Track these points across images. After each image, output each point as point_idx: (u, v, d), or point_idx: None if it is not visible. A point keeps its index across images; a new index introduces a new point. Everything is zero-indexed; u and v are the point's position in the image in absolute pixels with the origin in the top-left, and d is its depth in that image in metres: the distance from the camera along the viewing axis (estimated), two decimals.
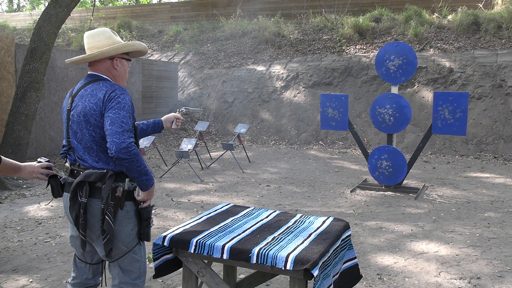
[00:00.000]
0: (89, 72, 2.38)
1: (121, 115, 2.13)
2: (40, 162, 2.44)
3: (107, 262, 2.44)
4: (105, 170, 2.22)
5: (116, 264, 2.33)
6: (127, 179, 2.26)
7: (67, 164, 2.32)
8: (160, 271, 2.60)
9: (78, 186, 2.20)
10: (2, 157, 2.35)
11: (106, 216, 2.16)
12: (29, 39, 13.04)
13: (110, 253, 2.23)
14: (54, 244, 4.39)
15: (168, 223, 5.05)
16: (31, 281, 3.56)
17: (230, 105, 12.67)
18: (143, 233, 2.35)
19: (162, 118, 2.78)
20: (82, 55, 2.35)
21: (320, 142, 10.99)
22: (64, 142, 2.40)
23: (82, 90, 2.30)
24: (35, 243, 4.41)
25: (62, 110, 2.44)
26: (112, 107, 2.15)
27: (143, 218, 2.33)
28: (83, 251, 2.33)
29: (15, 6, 29.71)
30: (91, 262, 2.43)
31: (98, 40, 2.33)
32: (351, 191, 6.60)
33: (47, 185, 2.38)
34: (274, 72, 12.94)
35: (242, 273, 3.64)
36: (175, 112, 2.97)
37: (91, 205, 2.22)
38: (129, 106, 2.21)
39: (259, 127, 11.91)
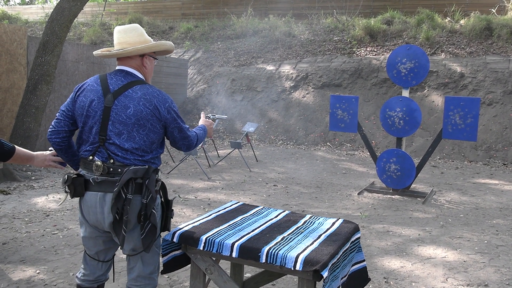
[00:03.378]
0: (121, 67, 2.34)
1: (181, 122, 2.38)
2: (51, 150, 2.48)
3: (114, 257, 2.44)
4: (147, 166, 2.22)
5: (138, 257, 2.32)
6: (159, 172, 2.34)
7: (99, 163, 2.20)
8: (168, 267, 2.60)
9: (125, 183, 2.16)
10: (16, 146, 2.39)
11: (153, 210, 2.18)
12: (41, 32, 13.01)
13: (150, 246, 2.23)
14: (61, 237, 4.41)
15: (175, 219, 5.06)
16: (38, 272, 3.57)
17: (239, 103, 12.67)
18: (167, 223, 2.39)
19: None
20: (115, 51, 2.32)
21: (328, 143, 10.97)
22: (90, 140, 2.25)
23: (129, 90, 2.24)
24: (43, 235, 4.44)
25: (86, 105, 2.26)
26: (174, 119, 2.33)
27: (170, 208, 2.38)
28: (122, 247, 2.26)
29: None
30: (104, 260, 2.42)
31: (131, 36, 2.33)
32: (358, 194, 6.57)
33: (65, 183, 2.23)
34: (283, 72, 12.92)
35: (247, 271, 3.64)
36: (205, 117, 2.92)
37: (132, 202, 2.18)
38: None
39: (267, 127, 11.91)
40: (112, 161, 2.21)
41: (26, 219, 4.91)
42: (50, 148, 2.47)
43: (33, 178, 6.80)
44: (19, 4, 28.19)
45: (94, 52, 2.43)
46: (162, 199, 2.38)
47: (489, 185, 7.38)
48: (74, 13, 7.25)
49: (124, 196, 2.15)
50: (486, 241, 4.64)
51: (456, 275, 3.77)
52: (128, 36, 2.33)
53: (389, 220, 5.35)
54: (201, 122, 2.76)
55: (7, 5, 26.41)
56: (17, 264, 3.72)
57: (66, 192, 2.28)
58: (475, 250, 4.38)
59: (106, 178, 2.20)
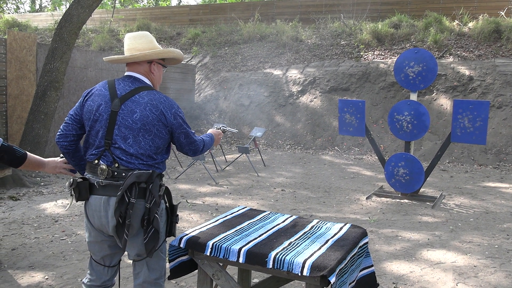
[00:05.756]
0: (129, 73, 2.38)
1: (187, 127, 2.40)
2: (62, 157, 2.52)
3: (121, 263, 2.45)
4: (150, 171, 2.23)
5: (144, 262, 2.32)
6: (163, 178, 2.35)
7: (104, 166, 2.22)
8: (175, 273, 2.59)
9: (128, 187, 2.17)
10: (27, 152, 2.42)
11: (156, 215, 2.19)
12: (50, 39, 13.19)
13: (152, 251, 2.23)
14: (70, 242, 4.43)
15: (183, 225, 5.06)
16: (46, 278, 3.59)
17: (246, 108, 12.68)
18: (172, 228, 2.40)
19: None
20: (123, 55, 2.37)
21: (335, 147, 10.93)
22: (96, 144, 2.28)
23: (136, 95, 2.27)
24: (51, 241, 4.46)
25: (94, 109, 2.29)
26: (180, 124, 2.36)
27: (174, 213, 2.39)
28: (124, 251, 2.27)
29: (37, 7, 30.25)
30: (110, 265, 2.43)
31: (140, 42, 2.37)
32: (366, 198, 6.53)
33: (71, 187, 2.27)
34: (291, 76, 12.92)
35: (255, 277, 3.62)
36: (215, 128, 2.94)
37: (135, 206, 2.19)
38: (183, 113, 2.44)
39: (274, 131, 11.90)
40: (116, 165, 2.23)
41: (35, 225, 4.93)
42: (61, 155, 2.52)
43: (42, 184, 6.85)
44: (28, 11, 28.53)
45: (104, 58, 2.48)
46: (167, 204, 2.39)
47: (500, 189, 7.30)
48: (83, 20, 7.32)
49: (127, 200, 2.16)
50: (496, 246, 4.58)
51: (466, 280, 3.73)
52: (137, 43, 2.38)
53: (398, 224, 5.31)
54: (210, 131, 2.81)
55: (17, 12, 26.73)
56: (25, 270, 3.74)
57: (71, 195, 2.31)
58: (485, 254, 4.33)
59: (111, 182, 2.22)
